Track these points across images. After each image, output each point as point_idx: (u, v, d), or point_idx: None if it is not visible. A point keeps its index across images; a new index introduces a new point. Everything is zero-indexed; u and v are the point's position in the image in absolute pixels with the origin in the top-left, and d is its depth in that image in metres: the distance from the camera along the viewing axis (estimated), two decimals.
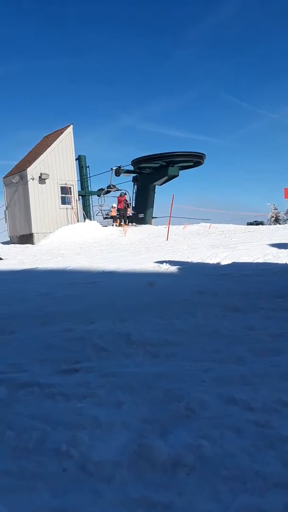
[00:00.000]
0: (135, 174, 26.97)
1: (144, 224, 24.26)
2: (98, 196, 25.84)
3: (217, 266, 7.05)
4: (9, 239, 21.82)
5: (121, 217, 22.42)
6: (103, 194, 25.54)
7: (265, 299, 4.04)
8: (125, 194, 23.95)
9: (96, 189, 26.00)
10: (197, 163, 26.44)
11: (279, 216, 49.64)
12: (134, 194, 27.25)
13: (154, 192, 27.42)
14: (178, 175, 26.17)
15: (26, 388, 2.22)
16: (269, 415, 1.79)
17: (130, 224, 22.45)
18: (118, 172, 25.51)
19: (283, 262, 6.77)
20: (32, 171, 19.74)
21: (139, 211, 25.68)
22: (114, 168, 25.48)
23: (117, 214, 22.90)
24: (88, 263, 8.82)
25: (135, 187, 27.30)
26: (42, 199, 20.00)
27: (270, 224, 37.25)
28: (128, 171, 26.52)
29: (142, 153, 32.97)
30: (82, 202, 24.47)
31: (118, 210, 22.76)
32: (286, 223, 39.74)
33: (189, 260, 7.89)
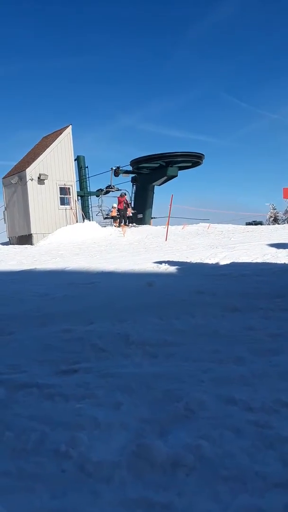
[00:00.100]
0: (134, 175, 26.98)
1: (143, 224, 24.26)
2: (97, 196, 25.84)
3: (216, 266, 7.05)
4: (8, 240, 21.80)
5: (122, 218, 22.40)
6: (103, 195, 25.53)
7: (264, 299, 4.04)
8: (125, 194, 23.94)
9: (95, 190, 26.02)
10: (196, 163, 26.44)
11: (278, 216, 49.69)
12: (133, 194, 27.26)
13: (153, 193, 27.42)
14: (177, 175, 26.18)
15: (25, 389, 2.21)
16: (268, 415, 1.79)
17: (130, 224, 22.40)
18: (117, 172, 25.50)
19: (282, 262, 6.77)
20: (31, 171, 19.72)
21: (138, 212, 25.68)
22: (114, 168, 25.48)
23: (117, 215, 22.87)
24: (87, 263, 8.81)
25: (134, 187, 27.31)
26: (41, 200, 19.99)
27: (269, 224, 37.30)
28: (127, 172, 26.53)
29: (142, 153, 33.09)
30: (81, 203, 24.46)
31: (118, 210, 22.73)
32: (285, 223, 39.79)
33: (188, 260, 7.89)
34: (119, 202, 22.63)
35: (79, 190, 24.07)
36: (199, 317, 3.55)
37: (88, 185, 25.36)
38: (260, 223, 29.33)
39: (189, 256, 8.57)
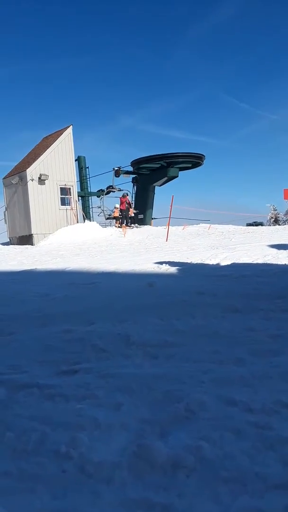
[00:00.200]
0: (134, 175, 27.00)
1: (144, 225, 24.27)
2: (98, 197, 25.85)
3: (216, 267, 7.05)
4: (8, 240, 21.82)
5: (124, 218, 22.38)
6: (104, 195, 25.53)
7: (264, 300, 4.04)
8: (127, 194, 23.93)
9: (95, 190, 26.04)
10: (197, 164, 26.45)
11: (278, 217, 49.66)
12: (133, 195, 27.27)
13: (154, 193, 27.45)
14: (177, 176, 26.20)
15: (25, 389, 2.22)
16: (269, 416, 1.79)
17: (132, 225, 22.34)
18: (117, 173, 25.51)
19: (283, 263, 6.77)
20: (32, 172, 19.74)
21: (138, 212, 25.69)
22: (116, 168, 25.50)
23: (119, 215, 22.84)
24: (87, 264, 8.82)
25: (135, 188, 27.32)
26: (42, 200, 20.00)
27: (269, 225, 37.29)
28: (127, 172, 26.54)
29: (142, 154, 33.03)
30: (82, 203, 24.47)
31: (120, 210, 22.71)
32: (285, 224, 39.77)
33: (189, 261, 7.89)
34: (121, 203, 22.60)
35: (79, 190, 24.09)
36: (200, 318, 3.55)
37: (88, 185, 25.42)
38: (261, 224, 29.31)
39: (190, 256, 8.57)
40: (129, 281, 6.08)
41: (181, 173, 26.38)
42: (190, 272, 6.67)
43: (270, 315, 3.52)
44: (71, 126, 21.38)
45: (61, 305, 4.56)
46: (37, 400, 2.09)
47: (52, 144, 20.69)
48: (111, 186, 25.63)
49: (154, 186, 27.09)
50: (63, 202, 20.77)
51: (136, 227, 22.04)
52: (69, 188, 20.88)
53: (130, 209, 22.89)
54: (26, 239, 20.06)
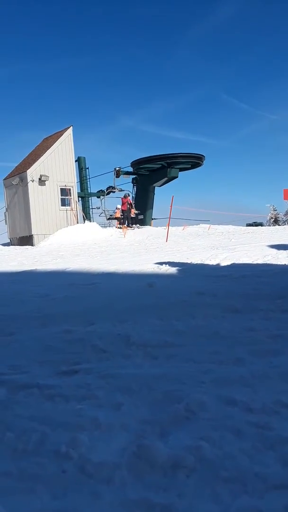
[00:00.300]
0: (134, 176, 27.00)
1: (144, 225, 24.26)
2: (98, 197, 25.85)
3: (216, 267, 7.05)
4: (9, 241, 21.83)
5: (125, 219, 22.33)
6: (105, 195, 25.53)
7: (264, 300, 4.04)
8: (129, 195, 23.91)
9: (96, 191, 26.04)
10: (197, 165, 26.45)
11: (278, 217, 49.66)
12: (133, 195, 27.26)
13: (154, 194, 27.44)
14: (177, 177, 26.18)
15: (25, 389, 2.22)
16: (268, 416, 1.79)
17: (134, 225, 22.28)
18: (117, 173, 25.51)
19: (283, 263, 6.77)
20: (32, 173, 19.75)
21: (139, 213, 25.69)
22: (117, 168, 25.51)
23: (121, 215, 22.81)
24: (87, 264, 8.82)
25: (135, 188, 27.32)
26: (42, 201, 20.00)
27: (269, 225, 37.28)
28: (127, 173, 26.55)
29: (143, 154, 33.00)
30: (82, 204, 24.47)
31: (122, 211, 22.68)
32: (285, 224, 39.79)
33: (189, 261, 7.89)
34: (123, 203, 22.57)
35: (79, 191, 24.09)
36: (200, 318, 3.55)
37: (88, 186, 25.41)
38: (261, 224, 29.32)
39: (190, 257, 8.57)
40: (129, 282, 6.08)
41: (181, 173, 26.37)
42: (190, 272, 6.67)
43: (270, 315, 3.52)
44: (71, 127, 21.41)
45: (61, 305, 4.56)
46: (37, 401, 2.09)
47: (52, 145, 20.70)
48: (111, 186, 25.63)
49: (154, 187, 27.08)
50: (63, 202, 20.78)
51: (137, 227, 22.02)
52: (69, 189, 20.89)
53: (132, 209, 22.85)
54: (26, 240, 20.07)
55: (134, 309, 4.03)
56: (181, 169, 26.20)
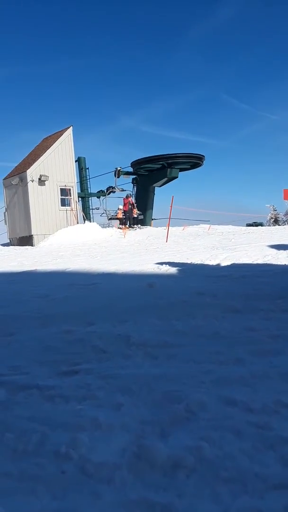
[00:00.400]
0: (134, 176, 27.00)
1: (144, 225, 24.26)
2: (98, 198, 25.85)
3: (216, 267, 7.05)
4: (8, 241, 21.83)
5: (127, 219, 22.27)
6: (104, 195, 25.53)
7: (264, 300, 4.04)
8: (131, 195, 23.87)
9: (95, 191, 26.04)
10: (197, 165, 26.45)
11: (278, 217, 49.65)
12: (133, 195, 27.26)
13: (154, 194, 27.44)
14: (177, 177, 26.18)
15: (25, 390, 2.22)
16: (269, 416, 1.79)
17: (136, 226, 22.18)
18: (117, 173, 25.52)
19: (283, 263, 6.77)
20: (32, 173, 19.75)
21: (141, 213, 25.67)
22: (119, 168, 25.51)
23: (123, 216, 22.75)
24: (87, 264, 8.82)
25: (135, 188, 27.32)
26: (42, 201, 20.01)
27: (269, 225, 37.29)
28: (127, 173, 26.55)
29: (143, 154, 33.00)
30: (82, 204, 24.48)
31: (123, 212, 22.62)
32: (285, 224, 39.79)
33: (189, 262, 7.90)
34: (124, 204, 22.51)
35: (79, 191, 24.09)
36: (200, 318, 3.55)
37: (88, 186, 25.42)
38: (261, 224, 29.32)
39: (190, 257, 8.57)
40: (129, 282, 6.08)
41: (181, 173, 26.37)
42: (190, 272, 6.67)
43: (270, 315, 3.52)
44: (71, 127, 21.41)
45: (61, 305, 4.56)
46: (37, 401, 2.09)
47: (52, 145, 20.70)
48: (111, 186, 25.64)
49: (154, 187, 27.08)
50: (63, 203, 20.78)
51: (139, 228, 21.95)
52: (69, 189, 20.89)
53: (134, 209, 22.77)
54: (26, 240, 20.07)
55: (134, 309, 4.03)
56: (181, 169, 26.20)
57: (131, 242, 15.46)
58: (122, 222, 22.74)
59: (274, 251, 8.39)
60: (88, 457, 1.55)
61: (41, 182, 19.90)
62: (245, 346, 2.75)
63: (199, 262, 7.81)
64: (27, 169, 19.80)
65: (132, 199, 23.24)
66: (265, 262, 7.04)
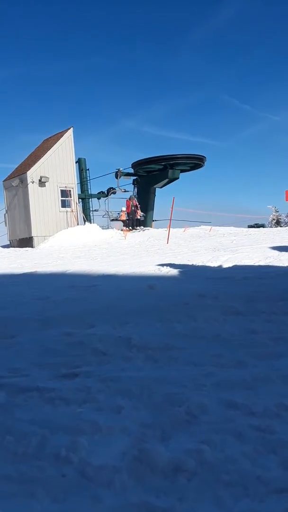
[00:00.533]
0: (135, 177, 27.01)
1: (145, 227, 24.25)
2: (98, 199, 25.86)
3: (218, 269, 7.04)
4: (9, 243, 21.84)
5: (130, 221, 22.18)
6: (104, 196, 25.52)
7: (266, 303, 4.03)
8: (135, 196, 23.79)
9: (96, 192, 26.06)
10: (198, 166, 26.46)
11: (280, 218, 49.66)
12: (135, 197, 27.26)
13: (155, 195, 27.45)
14: (178, 178, 26.20)
15: (25, 392, 2.21)
16: (270, 419, 1.78)
17: (138, 228, 22.04)
18: (118, 175, 25.54)
19: (285, 265, 6.77)
20: (32, 174, 19.77)
21: (144, 215, 25.63)
22: (121, 169, 25.53)
23: (126, 218, 22.65)
24: (88, 266, 8.82)
25: (135, 190, 27.33)
26: (42, 202, 20.03)
27: (271, 227, 37.28)
28: (128, 174, 26.57)
29: (144, 155, 33.04)
30: (82, 205, 24.50)
31: (127, 214, 22.54)
32: (287, 226, 39.77)
33: (190, 263, 7.89)
34: (127, 206, 22.42)
35: (80, 192, 24.11)
36: (201, 320, 3.54)
37: (89, 187, 25.45)
38: (263, 226, 29.29)
39: (191, 259, 8.57)
40: (129, 284, 6.07)
41: (182, 174, 26.39)
42: (191, 274, 6.66)
43: (272, 318, 3.51)
44: (72, 128, 21.45)
45: (61, 307, 4.55)
46: (37, 404, 2.08)
47: (52, 146, 20.74)
48: (112, 188, 25.65)
49: (155, 188, 27.09)
50: (64, 204, 20.81)
51: (142, 229, 21.79)
52: (70, 190, 20.91)
53: (138, 211, 22.62)
54: (26, 242, 20.08)
55: (135, 312, 4.02)
56: (182, 170, 26.21)
57: (131, 243, 15.46)
58: (126, 224, 22.64)
59: (276, 252, 8.38)
60: (88, 461, 1.54)
61: (42, 183, 19.92)
62: (246, 348, 2.74)
63: (200, 263, 7.80)
64: (28, 170, 19.83)
65: (136, 201, 23.09)
66: (267, 264, 7.03)
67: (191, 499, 1.33)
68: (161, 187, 27.24)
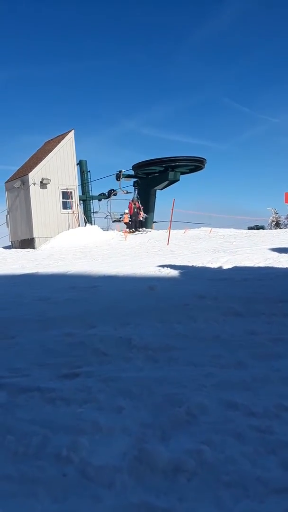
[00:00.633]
0: (135, 179, 27.03)
1: (145, 228, 24.25)
2: (99, 200, 25.87)
3: (218, 270, 7.05)
4: (10, 244, 21.87)
5: (133, 223, 22.13)
6: (105, 198, 25.53)
7: (266, 304, 4.03)
8: (138, 198, 23.77)
9: (97, 194, 26.08)
10: (198, 168, 26.48)
11: (279, 220, 49.66)
12: (138, 198, 27.26)
13: (155, 197, 27.47)
14: (179, 180, 26.22)
15: (26, 392, 2.21)
16: (270, 420, 1.79)
17: (140, 229, 21.95)
18: (118, 176, 25.56)
19: (284, 266, 6.77)
20: (34, 176, 19.80)
21: (147, 216, 25.61)
22: (122, 170, 25.54)
23: (129, 221, 22.60)
24: (89, 267, 8.83)
25: (136, 191, 27.34)
26: (44, 204, 20.06)
27: (271, 229, 37.28)
28: (128, 176, 26.59)
29: (144, 157, 33.03)
30: (83, 207, 24.52)
31: (129, 216, 22.49)
32: (287, 228, 39.76)
33: (190, 265, 7.90)
34: (129, 208, 22.36)
35: (81, 194, 24.14)
36: (201, 321, 3.55)
37: (90, 189, 25.47)
38: (262, 228, 29.30)
39: (191, 260, 8.57)
40: (130, 285, 6.08)
41: (182, 176, 26.40)
42: (191, 275, 6.67)
43: (272, 319, 3.51)
44: (73, 130, 21.49)
45: (62, 308, 4.56)
46: (38, 404, 2.09)
47: (54, 148, 20.77)
48: (113, 189, 25.67)
49: (155, 190, 27.11)
50: (65, 206, 20.84)
51: (144, 231, 21.69)
52: (71, 192, 20.94)
53: (140, 212, 22.56)
54: (28, 243, 20.10)
55: (135, 312, 4.03)
56: (183, 172, 26.23)
57: (132, 245, 15.46)
58: (129, 226, 22.56)
59: (276, 254, 8.39)
60: (88, 460, 1.55)
61: (43, 185, 19.96)
62: (246, 349, 2.75)
63: (200, 265, 7.81)
64: (29, 172, 19.86)
65: (138, 203, 23.01)
66: (266, 265, 7.04)
67: (191, 499, 1.33)
68: (161, 189, 27.27)
